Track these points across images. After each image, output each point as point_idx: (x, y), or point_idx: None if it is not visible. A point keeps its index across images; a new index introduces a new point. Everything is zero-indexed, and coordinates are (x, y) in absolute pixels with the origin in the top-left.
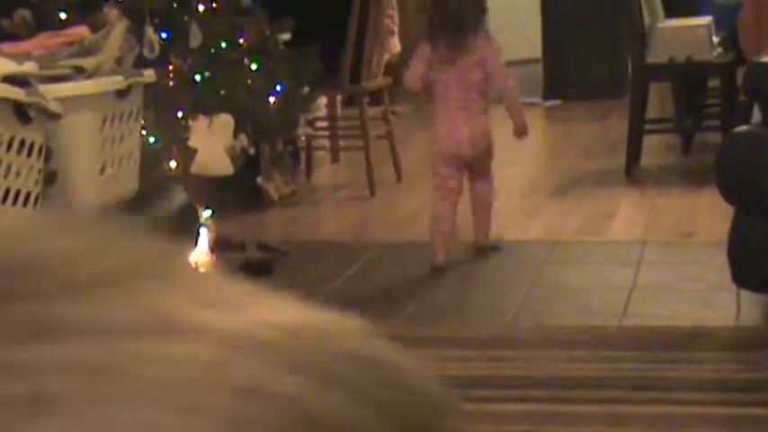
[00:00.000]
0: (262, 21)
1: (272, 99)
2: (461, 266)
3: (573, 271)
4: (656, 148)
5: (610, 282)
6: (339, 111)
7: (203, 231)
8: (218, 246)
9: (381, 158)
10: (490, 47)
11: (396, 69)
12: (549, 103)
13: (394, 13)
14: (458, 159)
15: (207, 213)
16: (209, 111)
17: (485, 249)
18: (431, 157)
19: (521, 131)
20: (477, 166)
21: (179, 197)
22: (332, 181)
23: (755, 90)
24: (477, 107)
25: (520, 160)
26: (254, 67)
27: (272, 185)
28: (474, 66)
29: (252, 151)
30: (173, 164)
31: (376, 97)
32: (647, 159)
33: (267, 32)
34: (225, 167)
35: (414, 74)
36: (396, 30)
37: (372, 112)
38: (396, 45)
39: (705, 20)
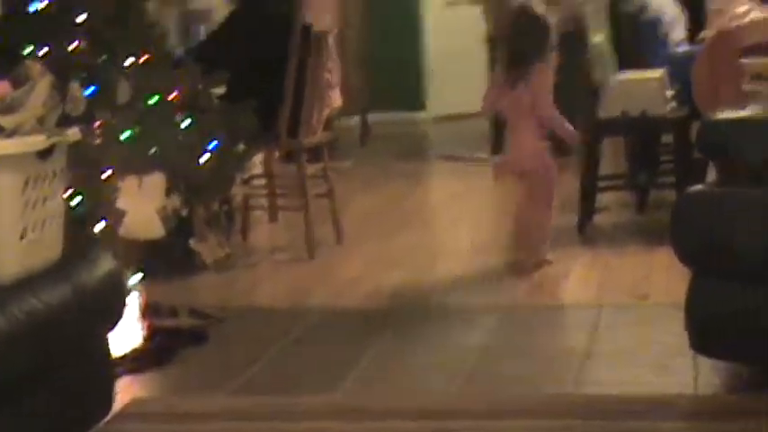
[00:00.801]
0: (194, 74)
1: (205, 156)
2: (405, 329)
3: (525, 336)
4: (609, 206)
5: (563, 347)
6: (277, 168)
7: (133, 297)
8: (148, 312)
9: (321, 218)
10: (537, 78)
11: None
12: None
13: (334, 65)
14: (515, 173)
15: (136, 278)
16: (138, 170)
17: (540, 264)
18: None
19: (570, 139)
20: (529, 182)
21: (106, 262)
22: (269, 242)
23: (709, 148)
24: (529, 129)
25: (466, 220)
26: (186, 123)
27: (206, 248)
28: (524, 93)
29: (184, 212)
30: (100, 227)
31: (316, 153)
32: (601, 217)
33: (200, 86)
34: (156, 230)
35: (484, 99)
36: (336, 83)
37: (312, 169)
38: (336, 99)
39: (658, 73)
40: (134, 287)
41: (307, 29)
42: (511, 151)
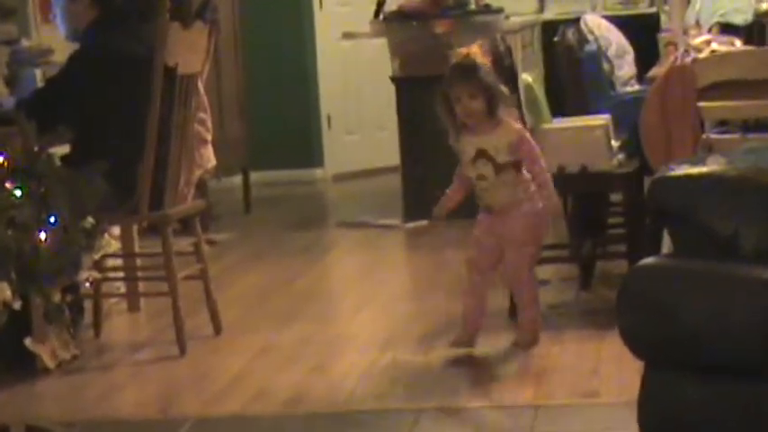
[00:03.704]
0: (28, 132)
1: (43, 235)
2: None
3: None
4: (547, 282)
5: None
6: (137, 245)
7: None
8: None
9: (194, 305)
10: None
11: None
12: (410, 225)
13: (206, 117)
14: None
15: None
16: None
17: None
18: None
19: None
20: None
21: None
22: (129, 337)
23: (662, 212)
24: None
25: (374, 304)
26: (18, 193)
27: (47, 349)
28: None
29: (17, 305)
30: None
31: (186, 225)
32: None
33: (36, 147)
34: None
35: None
36: (209, 138)
37: (181, 244)
38: (210, 157)
39: (602, 119)
40: None
41: (170, 72)
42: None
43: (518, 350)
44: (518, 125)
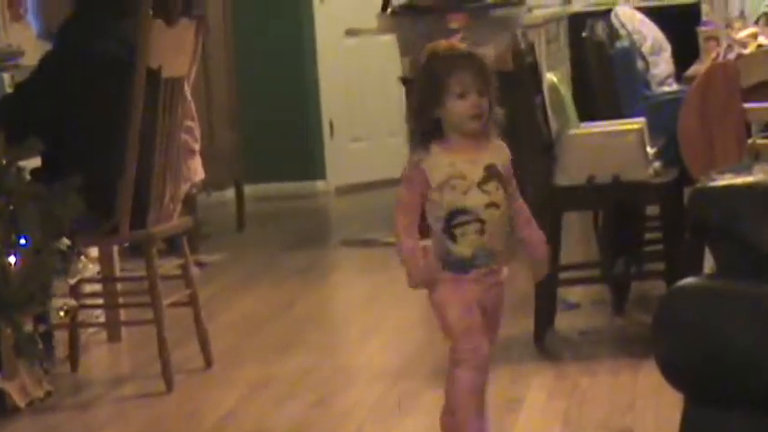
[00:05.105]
0: None
1: (12, 258)
2: None
3: None
4: (577, 305)
5: None
6: (118, 268)
7: None
8: None
9: (182, 334)
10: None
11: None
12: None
13: (194, 125)
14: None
15: None
16: None
17: None
18: None
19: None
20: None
21: None
22: (109, 371)
23: (703, 226)
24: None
25: (382, 332)
26: None
27: (17, 385)
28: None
29: None
30: None
31: (172, 245)
32: (565, 322)
33: (4, 160)
34: None
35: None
36: (197, 149)
37: (168, 266)
38: (198, 170)
39: (636, 122)
40: None
41: (154, 75)
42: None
43: (543, 380)
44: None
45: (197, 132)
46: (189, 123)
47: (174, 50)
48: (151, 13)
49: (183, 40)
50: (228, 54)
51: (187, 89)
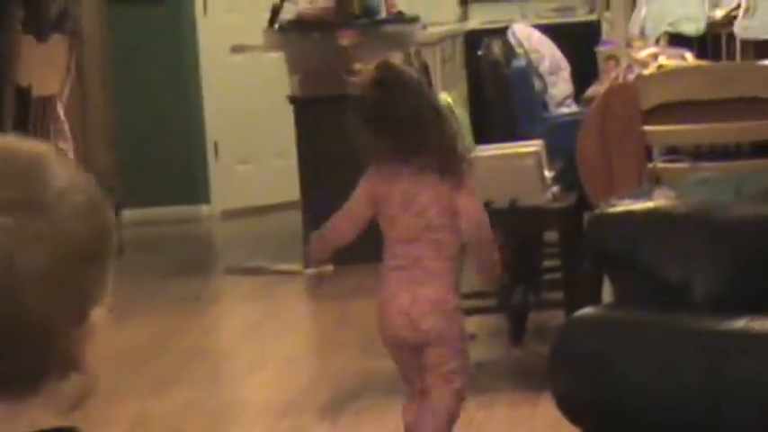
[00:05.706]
0: None
1: None
2: None
3: None
4: (473, 336)
5: None
6: None
7: None
8: None
9: None
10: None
11: None
12: (311, 271)
13: (68, 147)
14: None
15: None
16: None
17: None
18: None
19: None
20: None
21: None
22: None
23: (601, 253)
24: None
25: (270, 364)
26: None
27: None
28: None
29: None
30: None
31: None
32: None
33: None
34: None
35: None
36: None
37: None
38: None
39: (533, 145)
40: None
41: (23, 93)
42: (393, 297)
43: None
44: None
45: (71, 154)
46: (62, 145)
47: (45, 67)
48: (21, 27)
49: (55, 56)
50: (104, 71)
51: (60, 108)
